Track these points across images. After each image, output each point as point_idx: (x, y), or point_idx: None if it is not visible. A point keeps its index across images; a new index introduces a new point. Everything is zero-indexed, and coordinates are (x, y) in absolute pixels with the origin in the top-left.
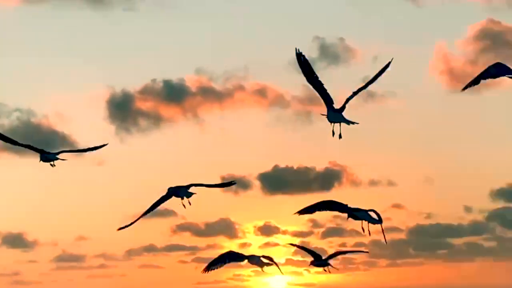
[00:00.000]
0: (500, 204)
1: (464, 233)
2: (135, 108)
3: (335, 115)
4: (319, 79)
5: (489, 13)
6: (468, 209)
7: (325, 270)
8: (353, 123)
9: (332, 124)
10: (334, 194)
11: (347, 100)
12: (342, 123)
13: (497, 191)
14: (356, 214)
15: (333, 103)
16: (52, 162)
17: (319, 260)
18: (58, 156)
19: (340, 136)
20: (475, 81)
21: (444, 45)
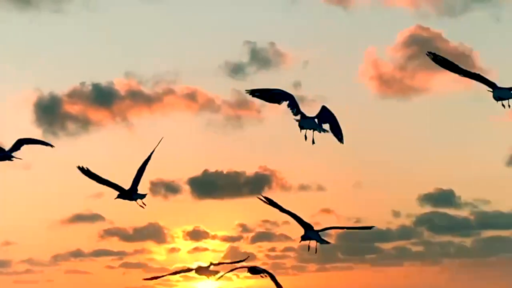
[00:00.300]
0: (428, 209)
1: (393, 237)
2: (63, 112)
3: (308, 122)
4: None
5: (418, 20)
6: (396, 214)
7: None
8: (325, 131)
9: (305, 130)
10: None
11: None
12: (314, 131)
13: (425, 196)
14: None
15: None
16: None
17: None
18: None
19: (313, 142)
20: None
21: (374, 51)
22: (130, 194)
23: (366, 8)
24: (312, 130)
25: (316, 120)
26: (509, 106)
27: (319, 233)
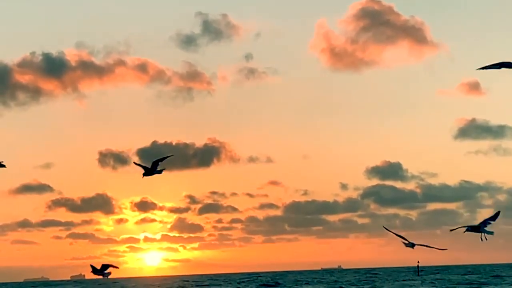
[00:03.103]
0: (375, 181)
1: (339, 210)
2: (13, 81)
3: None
4: None
5: None
6: (344, 186)
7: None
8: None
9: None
10: (212, 171)
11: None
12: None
13: (372, 168)
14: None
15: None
16: None
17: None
18: None
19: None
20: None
21: (325, 23)
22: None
23: None
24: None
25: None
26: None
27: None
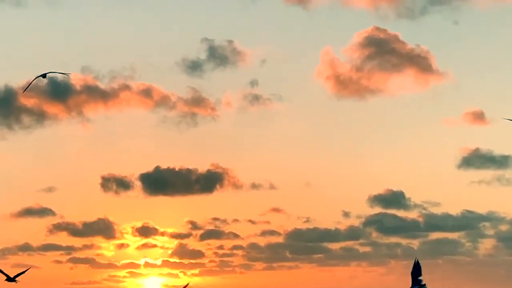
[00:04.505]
0: (377, 209)
1: (341, 237)
2: (18, 105)
3: None
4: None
5: (376, 21)
6: (346, 214)
7: None
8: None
9: None
10: (215, 197)
11: None
12: None
13: (375, 197)
14: None
15: None
16: None
17: None
18: None
19: None
20: None
21: (330, 50)
22: None
23: (325, 8)
24: None
25: None
26: None
27: None
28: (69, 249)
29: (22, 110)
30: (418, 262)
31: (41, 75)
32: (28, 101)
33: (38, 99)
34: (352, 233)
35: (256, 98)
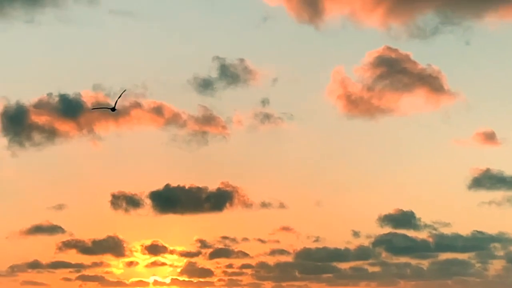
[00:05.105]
0: (387, 229)
1: (351, 257)
2: (30, 122)
3: None
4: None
5: (387, 41)
6: (356, 234)
7: None
8: None
9: None
10: (225, 215)
11: None
12: None
13: (385, 216)
14: None
15: None
16: None
17: None
18: None
19: None
20: None
21: (342, 70)
22: None
23: (337, 28)
24: None
25: None
26: None
27: None
28: (79, 266)
29: (33, 127)
30: None
31: (110, 108)
32: (39, 118)
33: (49, 116)
34: (362, 253)
35: (267, 116)
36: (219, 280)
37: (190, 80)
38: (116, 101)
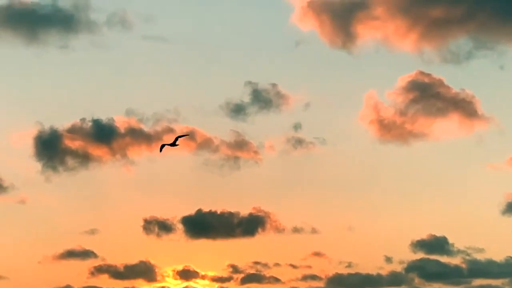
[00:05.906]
0: (420, 255)
1: (383, 283)
2: (63, 147)
3: None
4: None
5: (420, 65)
6: (388, 259)
7: None
8: None
9: None
10: (257, 240)
11: None
12: None
13: (418, 242)
14: None
15: None
16: None
17: None
18: None
19: None
20: None
21: (374, 94)
22: None
23: (369, 52)
24: None
25: None
26: None
27: None
28: None
29: (66, 152)
30: None
31: (170, 144)
32: (73, 143)
33: (82, 141)
34: (394, 279)
35: (299, 142)
36: None
37: (222, 105)
38: (177, 137)
